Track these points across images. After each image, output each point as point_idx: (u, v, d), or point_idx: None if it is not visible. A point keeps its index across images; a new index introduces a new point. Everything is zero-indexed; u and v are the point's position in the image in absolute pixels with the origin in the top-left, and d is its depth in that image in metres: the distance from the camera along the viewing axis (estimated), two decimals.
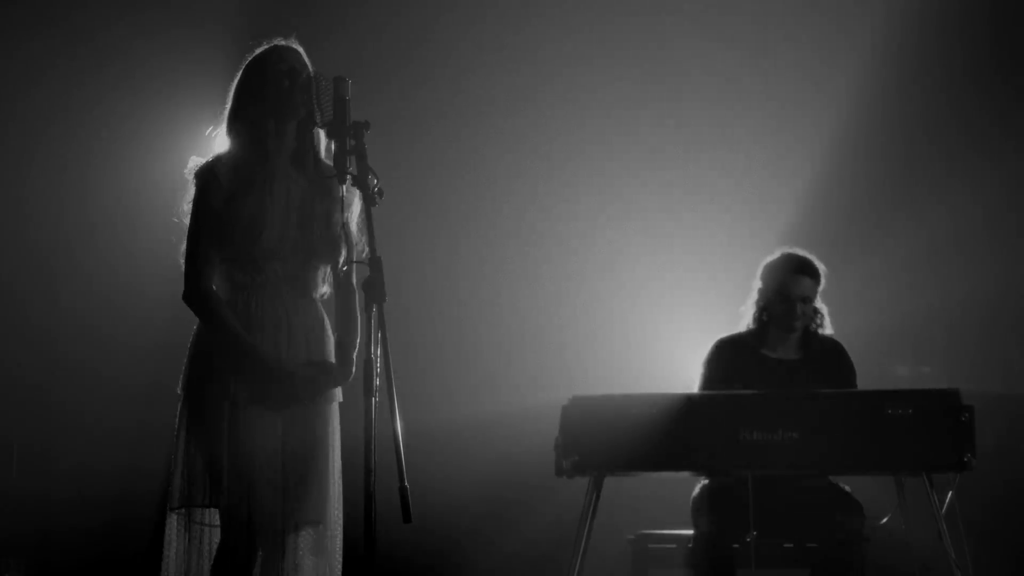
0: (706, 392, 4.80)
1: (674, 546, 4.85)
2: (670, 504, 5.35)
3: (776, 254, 4.97)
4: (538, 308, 6.75)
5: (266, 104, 3.58)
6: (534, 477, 5.73)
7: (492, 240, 6.81)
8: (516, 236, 6.79)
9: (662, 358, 6.43)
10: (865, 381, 4.94)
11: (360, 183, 3.30)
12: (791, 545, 4.73)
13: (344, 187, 3.52)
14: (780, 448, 4.13)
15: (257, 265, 3.56)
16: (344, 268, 3.63)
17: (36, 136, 6.58)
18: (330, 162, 3.52)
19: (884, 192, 6.65)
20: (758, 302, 4.95)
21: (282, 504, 3.50)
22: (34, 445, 6.56)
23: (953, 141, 6.59)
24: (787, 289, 4.83)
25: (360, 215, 3.57)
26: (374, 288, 3.18)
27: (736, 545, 4.59)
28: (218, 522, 3.54)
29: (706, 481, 4.78)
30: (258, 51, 3.67)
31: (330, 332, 3.67)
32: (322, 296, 3.69)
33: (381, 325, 3.16)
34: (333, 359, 3.65)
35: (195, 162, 3.61)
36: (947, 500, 4.23)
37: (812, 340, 4.91)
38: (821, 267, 4.90)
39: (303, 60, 3.64)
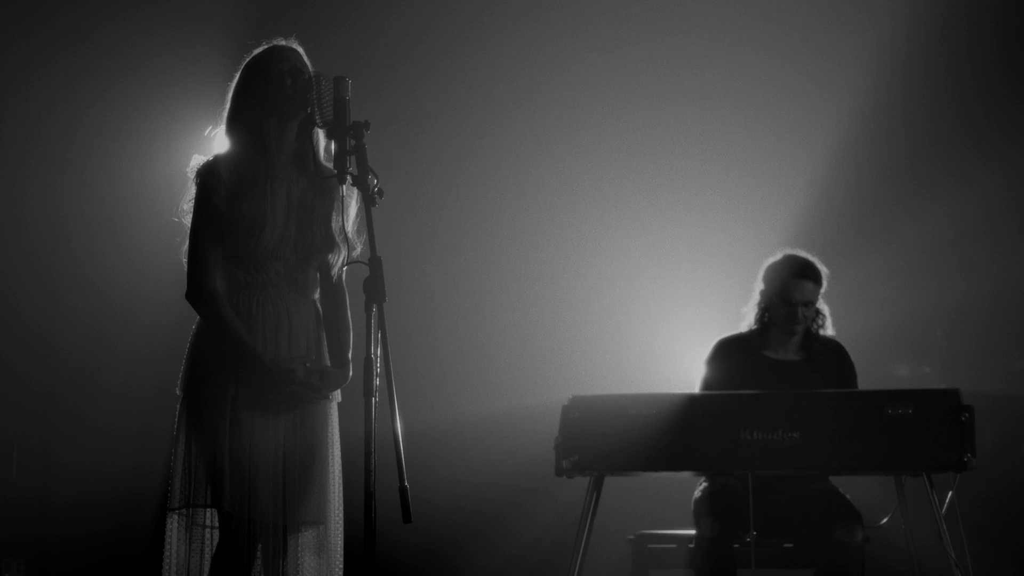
0: (706, 392, 4.80)
1: (674, 546, 4.85)
2: (670, 504, 5.36)
3: (778, 255, 4.96)
4: (538, 308, 6.75)
5: (268, 103, 3.58)
6: (534, 477, 5.74)
7: (492, 240, 6.81)
8: (516, 236, 6.79)
9: (662, 358, 6.44)
10: (866, 381, 4.94)
11: (360, 183, 3.30)
12: (791, 545, 4.73)
13: (343, 188, 3.53)
14: (780, 448, 4.13)
15: (258, 264, 3.56)
16: (345, 268, 3.63)
17: (36, 136, 6.58)
18: (329, 163, 3.53)
19: (885, 193, 6.65)
20: (760, 303, 4.95)
21: (283, 504, 3.50)
22: (34, 446, 6.55)
23: (953, 142, 6.59)
24: (788, 294, 4.82)
25: (357, 216, 3.57)
26: (374, 288, 3.18)
27: (736, 545, 4.59)
28: (213, 522, 3.53)
29: (707, 482, 4.78)
30: (258, 51, 3.67)
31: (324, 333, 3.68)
32: (317, 297, 3.69)
33: (381, 325, 3.15)
34: (328, 360, 3.65)
35: (197, 160, 3.61)
36: (947, 500, 4.23)
37: (813, 341, 4.91)
38: (823, 270, 4.89)
39: (304, 60, 3.64)
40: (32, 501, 6.46)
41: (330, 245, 3.62)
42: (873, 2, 6.57)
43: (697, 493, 4.79)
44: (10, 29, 6.48)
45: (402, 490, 3.03)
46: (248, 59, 3.67)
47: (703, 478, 4.81)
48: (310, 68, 3.61)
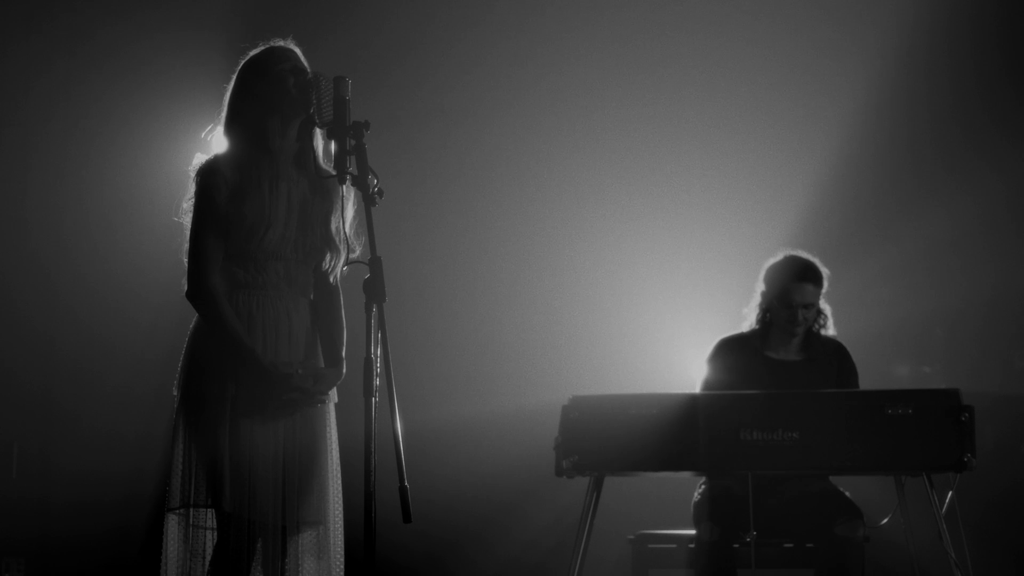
0: (706, 392, 4.80)
1: (674, 546, 4.85)
2: (670, 504, 5.36)
3: (779, 256, 4.95)
4: (538, 308, 6.75)
5: (270, 103, 3.57)
6: (534, 477, 5.75)
7: (492, 240, 6.81)
8: (516, 236, 6.78)
9: (662, 358, 6.44)
10: (866, 381, 4.94)
11: (360, 183, 3.30)
12: (791, 545, 4.73)
13: (342, 188, 3.53)
14: (780, 448, 4.13)
15: (259, 264, 3.56)
16: (345, 268, 3.63)
17: (36, 137, 6.58)
18: (328, 163, 3.53)
19: (886, 194, 6.65)
20: (761, 304, 4.95)
21: (283, 505, 3.49)
22: (34, 447, 6.55)
23: (954, 143, 6.59)
24: (789, 296, 4.82)
25: (355, 217, 3.57)
26: (374, 288, 3.18)
27: (736, 546, 4.59)
28: (211, 523, 3.52)
29: (706, 484, 4.78)
30: (256, 51, 3.66)
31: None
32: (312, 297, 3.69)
33: (381, 325, 3.15)
34: (322, 359, 3.65)
35: (199, 159, 3.60)
36: (947, 500, 4.23)
37: (814, 341, 4.91)
38: (824, 271, 4.88)
39: (303, 61, 3.64)
40: (32, 501, 6.46)
41: (329, 246, 3.62)
42: (875, 4, 6.57)
43: (696, 496, 4.79)
44: (10, 31, 6.48)
45: (402, 490, 3.03)
46: (247, 59, 3.66)
47: (702, 479, 4.81)
48: (309, 68, 3.61)
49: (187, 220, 3.59)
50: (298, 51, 3.66)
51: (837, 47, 6.58)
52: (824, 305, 4.91)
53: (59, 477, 6.49)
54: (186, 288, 3.56)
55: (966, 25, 6.49)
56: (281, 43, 3.67)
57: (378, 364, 3.15)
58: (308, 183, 3.62)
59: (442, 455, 6.22)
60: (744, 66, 6.66)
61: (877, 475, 4.61)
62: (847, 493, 4.72)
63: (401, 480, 3.03)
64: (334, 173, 3.36)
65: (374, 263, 3.21)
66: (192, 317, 3.59)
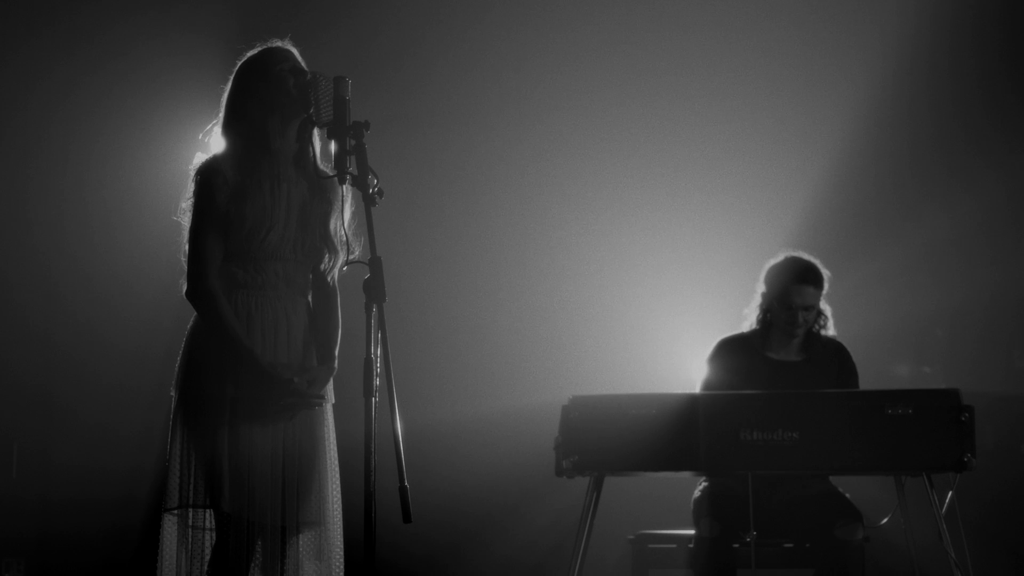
0: (706, 392, 4.80)
1: (674, 546, 4.85)
2: (670, 504, 5.36)
3: (779, 257, 4.95)
4: (538, 308, 6.75)
5: (270, 103, 3.57)
6: (534, 477, 5.75)
7: (492, 240, 6.81)
8: (516, 236, 6.78)
9: (662, 358, 6.44)
10: (866, 381, 4.94)
11: (360, 183, 3.30)
12: (791, 545, 4.73)
13: (343, 188, 3.52)
14: (780, 448, 4.13)
15: (258, 265, 3.55)
16: (345, 268, 3.63)
17: (37, 138, 6.59)
18: (327, 164, 3.53)
19: (886, 194, 6.65)
20: (761, 305, 4.94)
21: (282, 506, 3.49)
22: (34, 446, 6.55)
23: (955, 143, 6.59)
24: (789, 298, 4.82)
25: (354, 219, 3.56)
26: (374, 288, 3.18)
27: (736, 545, 4.59)
28: (210, 524, 3.52)
29: (706, 482, 4.78)
30: (254, 52, 3.66)
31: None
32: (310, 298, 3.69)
33: (381, 325, 3.15)
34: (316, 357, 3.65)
35: (200, 159, 3.60)
36: (947, 500, 4.23)
37: (815, 342, 4.91)
38: (825, 272, 4.88)
39: (300, 61, 3.64)
40: (32, 500, 6.46)
41: (328, 246, 3.62)
42: (876, 5, 6.56)
43: (697, 493, 4.80)
44: (12, 34, 6.49)
45: (402, 490, 3.02)
46: (245, 60, 3.66)
47: (703, 478, 4.81)
48: (307, 69, 3.60)
49: (186, 220, 3.59)
50: (295, 51, 3.66)
51: (838, 48, 6.58)
52: (824, 306, 4.91)
53: (59, 475, 6.49)
54: (185, 288, 3.55)
55: (967, 25, 6.49)
56: (279, 43, 3.67)
57: (378, 364, 3.15)
58: (307, 184, 3.62)
59: (442, 455, 6.22)
60: (745, 66, 6.66)
61: (877, 475, 4.61)
62: (847, 495, 4.72)
63: (401, 480, 3.02)
64: (334, 173, 3.35)
65: (374, 263, 3.21)
66: (190, 316, 3.59)
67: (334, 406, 3.69)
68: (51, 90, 6.56)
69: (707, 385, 4.91)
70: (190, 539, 3.51)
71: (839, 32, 6.61)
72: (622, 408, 4.24)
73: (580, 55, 6.74)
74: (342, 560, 3.62)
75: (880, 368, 6.29)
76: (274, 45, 3.66)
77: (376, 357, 3.15)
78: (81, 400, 6.54)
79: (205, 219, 3.52)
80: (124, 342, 6.46)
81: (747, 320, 5.00)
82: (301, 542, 3.56)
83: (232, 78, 3.66)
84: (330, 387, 3.67)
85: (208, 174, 3.54)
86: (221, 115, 3.65)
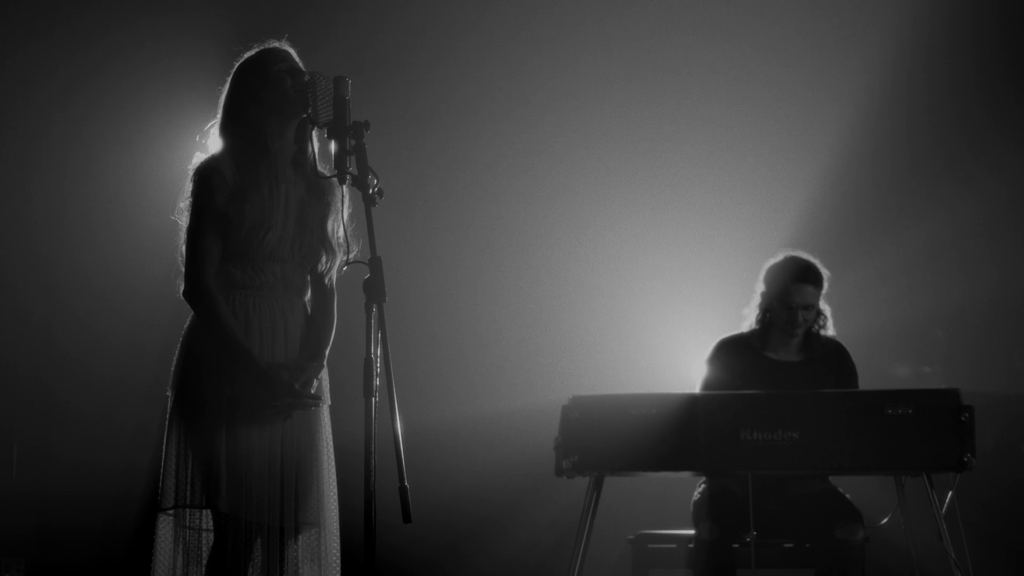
0: (706, 392, 4.80)
1: (674, 546, 4.85)
2: (670, 504, 5.36)
3: (779, 257, 4.95)
4: (538, 308, 6.75)
5: (268, 104, 3.56)
6: (534, 477, 5.75)
7: (492, 240, 6.81)
8: (516, 236, 6.78)
9: (662, 358, 6.43)
10: (866, 381, 4.94)
11: (360, 183, 3.29)
12: (791, 545, 4.73)
13: (343, 188, 3.52)
14: (780, 448, 4.13)
15: (256, 265, 3.55)
16: (344, 268, 3.63)
17: (37, 138, 6.59)
18: (325, 164, 3.53)
19: (886, 193, 6.65)
20: (760, 305, 4.94)
21: (280, 506, 3.49)
22: (34, 444, 6.56)
23: (954, 142, 6.59)
24: (789, 297, 4.82)
25: (352, 220, 3.56)
26: (374, 288, 3.18)
27: (736, 546, 4.59)
28: (209, 524, 3.51)
29: (705, 484, 4.78)
30: (252, 52, 3.66)
31: None
32: (307, 299, 3.69)
33: (381, 325, 3.15)
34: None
35: (198, 159, 3.60)
36: (947, 500, 4.23)
37: (814, 342, 4.90)
38: (824, 272, 4.88)
39: (298, 61, 3.64)
40: (32, 499, 6.46)
41: (325, 248, 3.62)
42: (875, 4, 6.56)
43: (696, 495, 4.79)
44: (13, 36, 6.49)
45: (402, 490, 3.02)
46: (242, 60, 3.66)
47: (702, 479, 4.81)
48: (304, 69, 3.60)
49: (183, 220, 3.59)
50: (293, 52, 3.66)
51: (837, 47, 6.58)
52: (824, 306, 4.91)
53: (58, 473, 6.49)
54: (183, 288, 3.55)
55: (966, 24, 6.49)
56: (276, 44, 3.66)
57: (378, 364, 3.14)
58: (305, 185, 3.62)
59: (442, 455, 6.22)
60: (744, 66, 6.66)
61: (877, 475, 4.61)
62: (847, 495, 4.72)
63: (401, 480, 3.02)
64: (333, 174, 3.35)
65: (374, 263, 3.20)
66: (188, 315, 3.58)
67: (330, 407, 3.69)
68: (52, 91, 6.57)
69: (707, 386, 4.90)
70: (186, 539, 3.51)
71: (838, 32, 6.61)
72: (622, 408, 4.24)
73: (579, 56, 6.73)
74: (339, 562, 3.62)
75: (880, 368, 6.28)
76: (272, 46, 3.66)
77: (376, 357, 3.14)
78: (82, 398, 6.54)
79: (204, 219, 3.52)
80: (124, 340, 6.46)
81: (747, 320, 5.00)
82: (300, 544, 3.55)
83: (230, 79, 3.66)
84: (326, 389, 3.66)
85: (207, 174, 3.53)
86: (219, 115, 3.65)
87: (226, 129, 3.62)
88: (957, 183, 6.50)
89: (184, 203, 3.59)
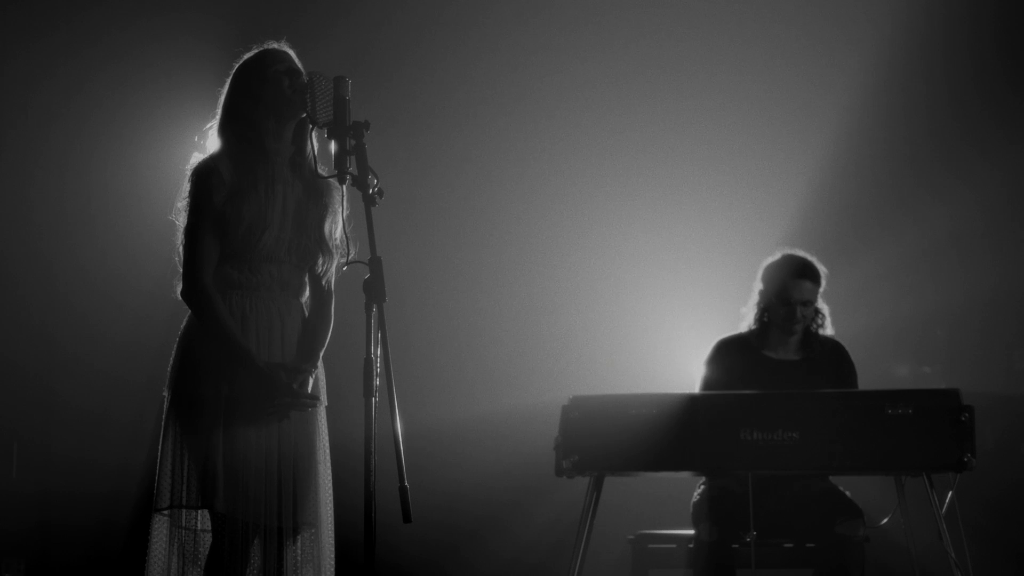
0: (706, 392, 4.80)
1: (674, 546, 4.85)
2: (670, 504, 5.35)
3: (776, 255, 4.96)
4: (538, 308, 6.75)
5: (266, 104, 3.57)
6: (534, 477, 5.74)
7: (492, 240, 6.81)
8: (516, 236, 6.78)
9: (662, 358, 6.43)
10: (866, 381, 4.94)
11: (360, 183, 3.29)
12: (791, 545, 4.73)
13: (342, 189, 3.52)
14: (780, 448, 4.13)
15: (253, 266, 3.55)
16: (344, 268, 3.63)
17: (39, 138, 6.59)
18: (324, 165, 3.52)
19: (885, 192, 6.65)
20: (759, 304, 4.94)
21: (278, 507, 3.48)
22: (34, 443, 6.56)
23: (954, 141, 6.59)
24: (787, 293, 4.82)
25: (349, 222, 3.56)
26: (374, 288, 3.18)
27: (736, 546, 4.59)
28: (206, 525, 3.51)
29: (705, 484, 4.78)
30: (252, 53, 3.66)
31: None
32: (305, 300, 3.69)
33: (381, 325, 3.15)
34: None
35: (196, 159, 3.60)
36: (947, 500, 4.23)
37: (813, 341, 4.90)
38: (822, 269, 4.89)
39: (297, 62, 3.64)
40: (32, 497, 6.47)
41: (322, 249, 3.62)
42: (873, 1, 6.56)
43: (695, 496, 4.79)
44: (14, 36, 6.50)
45: (402, 490, 3.02)
46: (242, 61, 3.66)
47: (702, 479, 4.81)
48: (304, 71, 3.60)
49: (181, 220, 3.59)
50: (292, 53, 3.66)
51: (834, 44, 6.58)
52: (822, 304, 4.91)
53: (59, 471, 6.49)
54: (180, 287, 3.55)
55: (963, 20, 6.49)
56: (275, 45, 3.67)
57: (378, 364, 3.14)
58: (303, 186, 3.62)
59: (442, 455, 6.22)
60: (741, 64, 6.66)
61: (877, 475, 4.61)
62: (847, 493, 4.72)
63: (401, 480, 3.02)
64: (333, 174, 3.35)
65: (374, 263, 3.20)
66: (185, 313, 3.58)
67: (328, 408, 3.68)
68: (53, 92, 6.57)
69: (706, 386, 4.90)
70: (181, 540, 3.50)
71: (836, 29, 6.61)
72: (622, 408, 4.24)
73: (578, 55, 6.73)
74: (333, 563, 3.61)
75: (880, 368, 6.29)
76: (271, 47, 3.66)
77: (376, 357, 3.14)
78: (81, 394, 6.54)
79: (201, 219, 3.52)
80: (124, 337, 6.45)
81: (745, 320, 5.00)
82: (299, 545, 3.55)
83: (229, 79, 3.66)
84: (323, 390, 3.66)
85: (204, 174, 3.54)
86: (218, 115, 3.65)
87: (224, 129, 3.62)
88: (956, 182, 6.50)
89: (182, 203, 3.59)
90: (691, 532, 4.71)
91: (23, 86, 6.53)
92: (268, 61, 3.61)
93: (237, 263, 3.54)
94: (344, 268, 3.62)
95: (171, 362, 3.56)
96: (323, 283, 3.68)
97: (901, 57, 6.45)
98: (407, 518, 3.01)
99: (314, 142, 3.60)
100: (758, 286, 4.96)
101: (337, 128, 3.33)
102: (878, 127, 6.52)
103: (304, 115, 3.50)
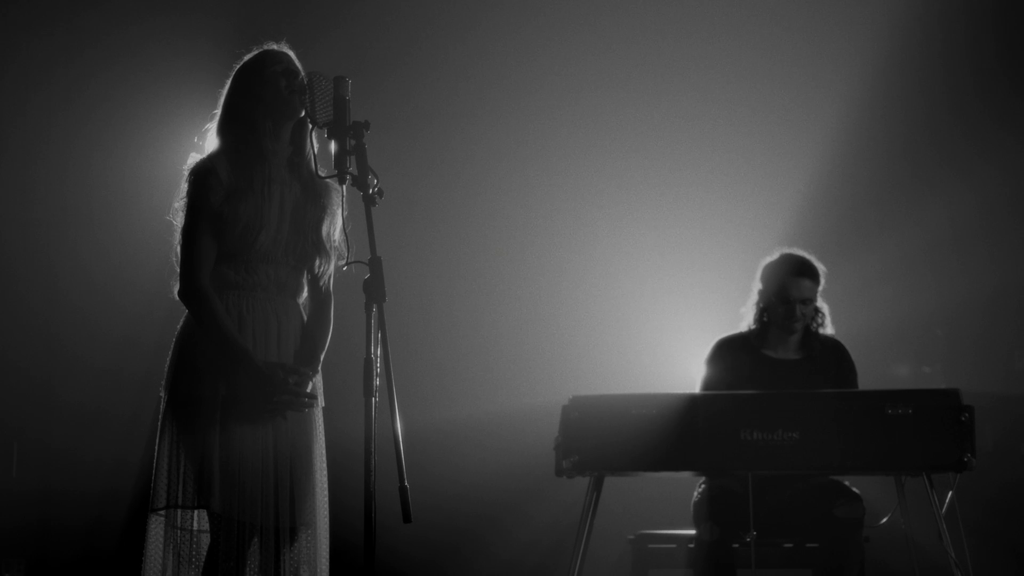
0: (706, 392, 4.80)
1: (674, 546, 4.85)
2: (670, 504, 5.35)
3: (775, 255, 4.96)
4: (538, 308, 6.75)
5: (263, 104, 3.57)
6: (534, 477, 5.75)
7: (492, 240, 6.81)
8: (516, 236, 6.79)
9: (662, 358, 6.43)
10: (866, 381, 4.94)
11: (360, 183, 3.29)
12: (791, 545, 4.73)
13: (342, 189, 3.52)
14: (780, 448, 4.13)
15: (250, 266, 3.55)
16: (344, 268, 3.62)
17: (40, 138, 6.60)
18: (324, 166, 3.52)
19: (884, 191, 6.65)
20: (758, 303, 4.95)
21: (275, 506, 3.48)
22: (35, 442, 6.56)
23: (953, 140, 6.59)
24: (787, 292, 4.82)
25: (347, 223, 3.56)
26: (374, 288, 3.17)
27: (736, 546, 4.59)
28: (204, 525, 3.50)
29: (705, 484, 4.78)
30: (251, 54, 3.66)
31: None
32: (303, 301, 3.69)
33: (381, 325, 3.15)
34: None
35: (194, 159, 3.60)
36: (947, 500, 4.23)
37: (813, 340, 4.91)
38: (821, 267, 4.89)
39: (296, 63, 3.64)
40: (32, 496, 6.47)
41: (319, 251, 3.62)
42: (871, 1, 6.56)
43: (696, 495, 4.79)
44: (14, 37, 6.50)
45: (402, 490, 3.02)
46: (242, 62, 3.66)
47: (702, 479, 4.81)
48: (302, 72, 3.60)
49: (178, 220, 3.59)
50: (292, 54, 3.66)
51: (833, 42, 6.58)
52: (822, 303, 4.92)
53: (59, 470, 6.49)
54: (178, 287, 3.55)
55: (962, 19, 6.49)
56: (275, 46, 3.67)
57: (378, 364, 3.14)
58: (301, 187, 3.62)
59: (442, 455, 6.22)
60: (740, 63, 6.66)
61: (877, 475, 4.61)
62: (846, 481, 4.73)
63: (401, 480, 3.02)
64: (333, 174, 3.34)
65: (374, 263, 3.20)
66: (183, 312, 3.58)
67: (326, 409, 3.68)
68: (53, 92, 6.58)
69: (707, 386, 4.90)
70: (176, 540, 3.49)
71: (835, 29, 6.61)
72: (622, 408, 4.24)
73: (577, 56, 6.74)
74: (327, 565, 3.61)
75: (880, 368, 6.29)
76: (271, 48, 3.66)
77: (376, 357, 3.14)
78: (82, 393, 6.54)
79: (199, 219, 3.52)
80: (124, 336, 6.45)
81: (744, 319, 5.00)
82: (297, 546, 3.54)
83: (230, 80, 3.67)
84: (320, 390, 3.66)
85: (202, 174, 3.54)
86: (217, 115, 3.66)
87: (223, 129, 3.63)
88: (956, 181, 6.50)
89: (179, 203, 3.59)
90: (691, 532, 4.71)
91: (23, 86, 6.53)
92: (267, 62, 3.62)
93: (234, 263, 3.54)
94: (344, 268, 3.62)
95: (168, 362, 3.56)
96: (321, 284, 3.68)
97: (901, 56, 6.45)
98: (407, 518, 3.01)
99: (314, 142, 3.60)
100: (757, 285, 4.96)
101: (337, 128, 3.33)
102: (877, 126, 6.52)
103: (303, 115, 3.50)
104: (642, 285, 6.64)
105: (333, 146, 3.33)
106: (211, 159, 3.57)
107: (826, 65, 6.57)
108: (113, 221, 6.52)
